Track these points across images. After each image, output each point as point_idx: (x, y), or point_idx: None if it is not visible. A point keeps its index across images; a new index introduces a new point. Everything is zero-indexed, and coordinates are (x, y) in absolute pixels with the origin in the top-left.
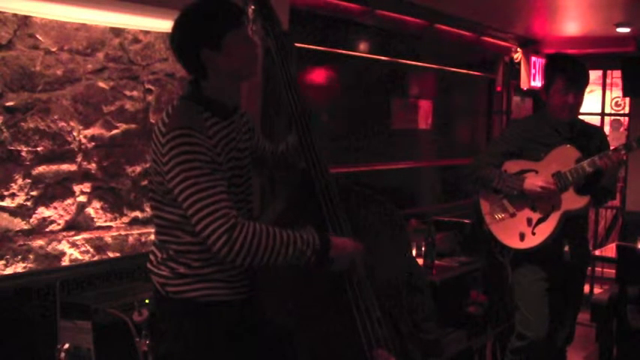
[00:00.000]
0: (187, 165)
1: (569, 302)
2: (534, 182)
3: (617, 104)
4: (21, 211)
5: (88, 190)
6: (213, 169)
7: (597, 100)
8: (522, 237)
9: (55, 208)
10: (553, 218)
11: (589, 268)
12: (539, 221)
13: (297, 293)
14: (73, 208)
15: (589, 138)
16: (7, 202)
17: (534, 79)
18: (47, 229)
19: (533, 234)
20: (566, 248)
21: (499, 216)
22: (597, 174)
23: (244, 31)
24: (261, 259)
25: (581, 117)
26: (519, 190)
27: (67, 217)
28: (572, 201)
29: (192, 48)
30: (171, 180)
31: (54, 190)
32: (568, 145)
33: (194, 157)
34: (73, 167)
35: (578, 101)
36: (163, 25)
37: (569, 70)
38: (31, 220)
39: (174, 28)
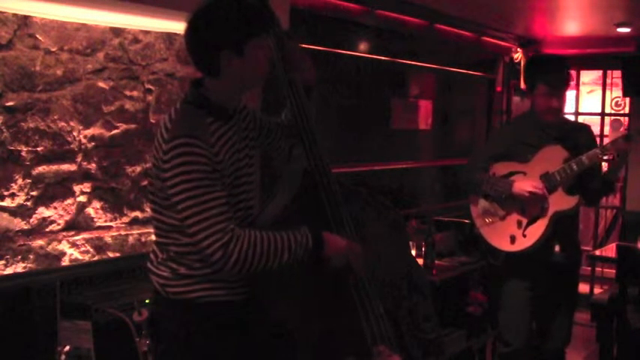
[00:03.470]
0: (187, 176)
1: (563, 303)
2: (522, 187)
3: (617, 104)
4: (21, 211)
5: (88, 190)
6: (214, 179)
7: (597, 100)
8: (513, 240)
9: (55, 208)
10: (543, 220)
11: (589, 268)
12: (530, 223)
13: (298, 291)
14: (73, 208)
15: (577, 137)
16: (7, 202)
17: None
18: (47, 229)
19: (524, 236)
20: (557, 249)
21: (489, 219)
22: (590, 172)
23: (266, 40)
24: (256, 267)
25: (582, 118)
26: (507, 193)
27: (67, 217)
28: (561, 201)
29: (214, 47)
30: (171, 188)
31: (54, 190)
32: (555, 146)
33: (195, 167)
34: (73, 167)
35: (562, 103)
36: (163, 25)
37: (550, 76)
38: (31, 220)
39: (197, 22)
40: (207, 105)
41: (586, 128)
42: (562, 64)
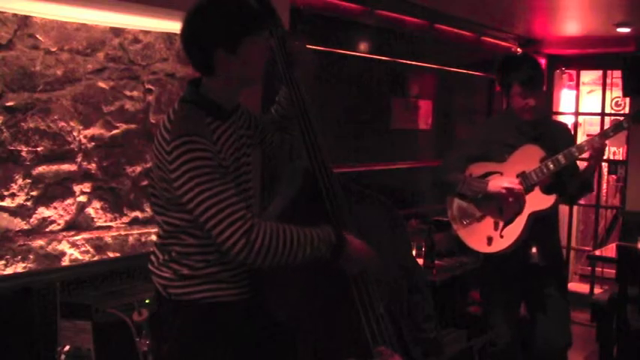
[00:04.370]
0: (196, 172)
1: (553, 306)
2: (498, 184)
3: (617, 104)
4: (21, 211)
5: (88, 190)
6: (222, 173)
7: (597, 100)
8: (490, 241)
9: (55, 208)
10: (520, 220)
11: (589, 268)
12: (507, 224)
13: (300, 290)
14: (73, 208)
15: (555, 136)
16: (7, 202)
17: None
18: (47, 229)
19: (501, 237)
20: (534, 250)
21: (465, 221)
22: (567, 171)
23: (262, 39)
24: (280, 258)
25: (582, 118)
26: (483, 192)
27: (67, 217)
28: (538, 201)
29: (207, 45)
30: (181, 187)
31: (54, 190)
32: (532, 145)
33: (202, 163)
34: (73, 167)
35: (539, 101)
36: (163, 25)
37: (524, 75)
38: (31, 220)
39: (191, 20)
40: (206, 104)
41: (564, 127)
42: (535, 63)
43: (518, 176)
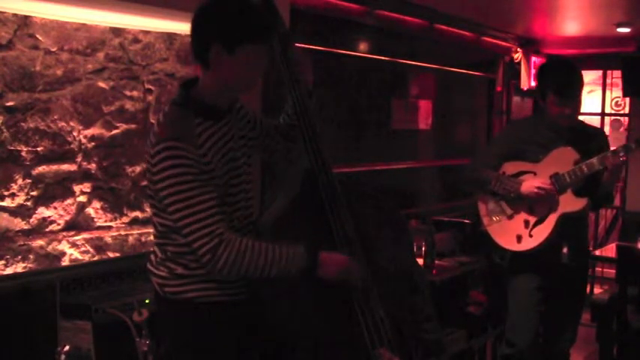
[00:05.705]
0: (174, 180)
1: (571, 304)
2: (531, 184)
3: (617, 104)
4: (21, 211)
5: (88, 190)
6: (202, 181)
7: (597, 100)
8: (519, 239)
9: (55, 208)
10: (550, 220)
11: (589, 268)
12: (537, 223)
13: (298, 293)
14: (73, 208)
15: (589, 140)
16: (7, 202)
17: (534, 79)
18: (47, 229)
19: (531, 236)
20: (565, 250)
21: (496, 218)
22: (597, 176)
23: (263, 51)
24: (244, 274)
25: (581, 117)
26: (516, 193)
27: (67, 217)
28: (570, 203)
29: (206, 36)
30: (160, 191)
31: (54, 190)
32: (567, 147)
33: (180, 170)
34: (73, 167)
35: (576, 107)
36: (163, 25)
37: (562, 84)
38: (31, 220)
39: (200, 11)
40: (195, 105)
41: (599, 132)
42: (571, 70)
43: (551, 177)
